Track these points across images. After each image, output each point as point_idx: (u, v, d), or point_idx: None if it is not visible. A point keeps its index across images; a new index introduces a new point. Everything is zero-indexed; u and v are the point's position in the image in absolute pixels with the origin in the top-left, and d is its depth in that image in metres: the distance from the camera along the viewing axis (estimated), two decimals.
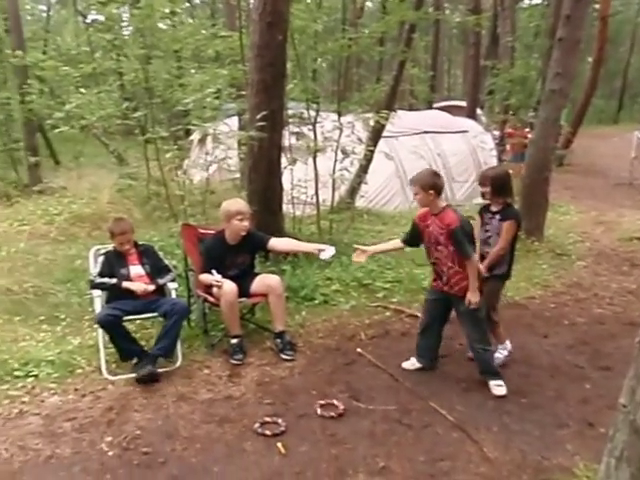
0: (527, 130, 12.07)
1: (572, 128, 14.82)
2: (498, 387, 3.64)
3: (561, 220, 9.00)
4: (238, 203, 4.28)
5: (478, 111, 15.83)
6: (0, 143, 11.97)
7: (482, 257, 3.87)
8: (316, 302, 5.05)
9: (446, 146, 10.65)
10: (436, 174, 3.67)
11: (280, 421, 3.24)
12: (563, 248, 7.18)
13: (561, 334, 4.68)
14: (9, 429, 3.22)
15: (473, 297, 3.51)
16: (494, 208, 3.85)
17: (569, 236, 7.89)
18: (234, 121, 8.30)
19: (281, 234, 5.63)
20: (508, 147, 14.42)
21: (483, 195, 3.89)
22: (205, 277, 4.11)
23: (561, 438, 3.16)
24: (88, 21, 15.85)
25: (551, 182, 7.43)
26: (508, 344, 4.06)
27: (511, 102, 12.26)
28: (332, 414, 3.34)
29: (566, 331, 4.75)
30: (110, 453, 3.01)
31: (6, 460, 2.94)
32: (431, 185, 3.52)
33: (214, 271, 4.07)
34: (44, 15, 21.64)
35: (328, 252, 4.00)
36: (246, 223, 4.18)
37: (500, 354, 4.01)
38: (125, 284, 3.94)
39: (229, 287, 3.98)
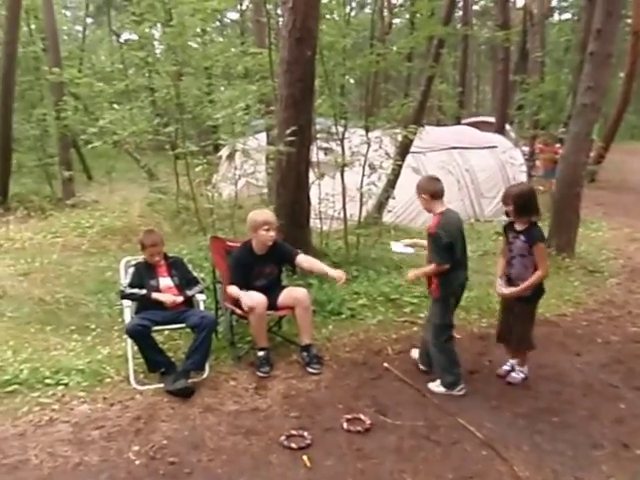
0: (558, 146, 11.92)
1: (604, 143, 14.56)
2: (437, 387, 3.80)
3: (593, 237, 8.82)
4: (265, 213, 4.32)
5: (507, 127, 15.71)
6: (35, 158, 12.38)
7: (507, 278, 3.80)
8: (343, 316, 5.03)
9: (474, 162, 10.57)
10: (432, 179, 3.78)
11: (306, 434, 3.22)
12: (595, 265, 7.03)
13: (594, 352, 4.55)
14: (39, 436, 3.27)
15: (411, 273, 3.82)
16: (518, 227, 3.71)
17: (601, 253, 7.71)
18: (262, 137, 8.41)
19: (308, 248, 5.65)
20: (538, 163, 14.26)
21: (507, 214, 3.77)
22: (233, 290, 4.12)
23: (595, 459, 3.06)
24: (122, 40, 16.33)
25: (582, 198, 7.30)
26: (526, 369, 4.01)
27: (541, 117, 12.11)
28: (358, 428, 3.30)
29: (599, 349, 4.63)
30: (137, 462, 3.02)
31: (36, 466, 2.98)
32: (423, 189, 3.69)
33: (242, 293, 4.08)
34: (80, 35, 22.38)
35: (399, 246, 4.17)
36: (272, 233, 4.20)
37: (517, 375, 3.98)
38: (154, 295, 4.00)
39: (259, 299, 3.99)
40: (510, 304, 3.85)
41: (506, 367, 4.06)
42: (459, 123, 17.19)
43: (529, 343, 3.91)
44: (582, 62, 7.73)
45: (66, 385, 3.80)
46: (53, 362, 4.05)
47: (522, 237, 3.66)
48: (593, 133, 7.62)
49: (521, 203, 3.63)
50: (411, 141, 7.53)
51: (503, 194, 3.83)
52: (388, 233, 8.06)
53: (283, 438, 3.19)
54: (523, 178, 11.46)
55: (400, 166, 7.37)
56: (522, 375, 3.97)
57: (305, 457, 3.02)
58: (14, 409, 3.53)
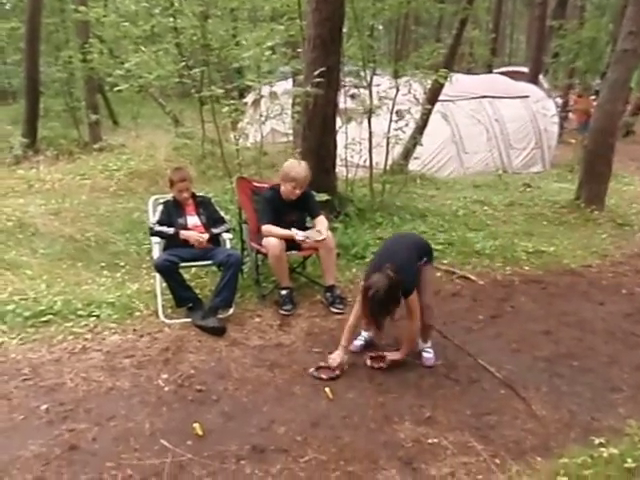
0: (593, 98, 11.50)
1: None
2: None
3: (624, 190, 8.63)
4: (295, 171, 4.17)
5: (540, 77, 15.14)
6: (63, 103, 12.41)
7: None
8: (366, 260, 5.02)
9: (505, 111, 10.29)
10: None
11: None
12: (625, 218, 6.91)
13: (618, 303, 4.54)
14: (74, 362, 3.42)
15: None
16: None
17: (632, 207, 7.56)
18: (289, 83, 8.29)
19: (333, 193, 5.65)
20: (571, 115, 13.83)
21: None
22: (271, 229, 4.13)
23: (613, 401, 3.10)
24: None
25: (616, 152, 7.10)
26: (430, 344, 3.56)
27: (578, 65, 11.61)
28: (381, 365, 3.38)
29: (624, 300, 4.61)
30: (166, 389, 3.16)
31: (71, 389, 3.14)
32: None
33: (294, 229, 4.13)
34: None
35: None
36: (297, 191, 4.19)
37: (429, 354, 3.51)
38: (182, 233, 4.05)
39: (274, 242, 4.04)
40: None
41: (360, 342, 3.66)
42: (491, 72, 16.63)
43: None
44: (625, 7, 7.36)
45: (98, 317, 3.94)
46: (85, 295, 4.19)
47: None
48: (631, 81, 7.34)
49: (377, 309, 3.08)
50: (441, 86, 7.33)
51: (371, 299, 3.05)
52: (413, 182, 8.00)
53: (312, 370, 3.29)
54: (555, 130, 11.15)
55: (429, 112, 7.22)
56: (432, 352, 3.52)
57: (327, 389, 3.12)
58: (49, 337, 3.69)
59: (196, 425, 2.79)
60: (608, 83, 6.78)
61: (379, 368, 3.37)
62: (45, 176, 7.88)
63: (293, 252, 4.25)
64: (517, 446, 2.71)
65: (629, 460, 2.44)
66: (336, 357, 3.31)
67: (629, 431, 2.72)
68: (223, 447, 2.67)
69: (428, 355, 3.50)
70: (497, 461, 2.60)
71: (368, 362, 3.41)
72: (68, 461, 2.56)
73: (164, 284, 4.02)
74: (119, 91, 8.13)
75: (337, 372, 3.27)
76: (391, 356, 3.40)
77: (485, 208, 6.97)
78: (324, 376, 3.23)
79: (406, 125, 6.32)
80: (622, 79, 6.58)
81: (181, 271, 4.01)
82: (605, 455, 2.51)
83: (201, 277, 4.60)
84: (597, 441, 2.66)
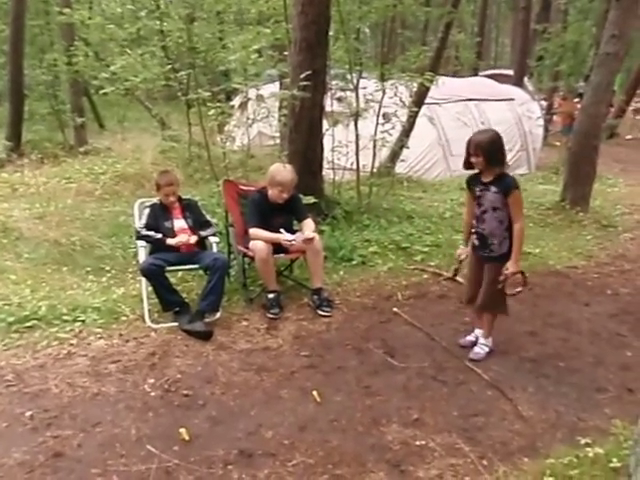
0: (577, 100, 11.63)
1: (626, 97, 14.15)
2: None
3: (608, 192, 8.73)
4: (282, 175, 4.18)
5: (525, 79, 15.29)
6: (48, 105, 12.29)
7: (479, 236, 3.46)
8: (354, 263, 5.07)
9: (490, 114, 10.35)
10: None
11: None
12: (609, 220, 6.99)
13: (603, 303, 4.58)
14: (58, 368, 3.38)
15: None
16: (486, 179, 3.33)
17: (616, 208, 7.65)
18: (276, 86, 8.28)
19: (320, 196, 5.64)
20: (556, 118, 13.98)
21: (469, 165, 3.37)
22: (256, 232, 4.12)
23: (599, 402, 3.12)
24: None
25: (600, 154, 7.18)
26: (490, 341, 3.63)
27: (562, 68, 11.75)
28: (519, 290, 3.42)
29: (609, 301, 4.65)
30: (152, 394, 3.13)
31: (56, 395, 3.10)
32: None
33: (283, 230, 4.13)
34: None
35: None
36: (285, 195, 4.19)
37: (480, 350, 3.59)
38: (169, 241, 4.02)
39: (261, 245, 4.03)
40: (480, 261, 3.49)
41: (470, 338, 3.72)
42: (476, 75, 16.77)
43: (498, 305, 3.50)
44: (607, 11, 7.46)
45: (83, 322, 3.90)
46: (70, 300, 4.15)
47: (493, 188, 3.29)
48: (615, 85, 7.43)
49: (493, 152, 3.26)
50: (427, 89, 7.37)
51: (469, 143, 3.30)
52: (400, 185, 8.02)
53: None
54: (540, 132, 11.24)
55: (415, 115, 7.25)
56: (486, 349, 3.58)
57: (315, 392, 3.11)
58: (34, 343, 3.64)
59: (182, 430, 2.77)
60: (591, 86, 6.86)
61: (519, 292, 3.45)
62: (30, 180, 7.79)
63: (280, 255, 4.25)
64: (504, 447, 2.73)
65: (614, 460, 2.46)
66: (462, 252, 3.58)
67: (614, 431, 2.73)
68: (210, 452, 2.65)
69: (479, 350, 3.58)
70: (484, 462, 2.60)
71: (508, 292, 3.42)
72: (53, 468, 2.53)
73: (150, 288, 3.99)
74: (105, 94, 8.10)
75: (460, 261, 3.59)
76: (511, 268, 3.30)
77: None
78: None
79: (392, 128, 6.34)
80: (605, 82, 6.66)
81: (167, 275, 3.98)
82: (591, 455, 2.53)
83: (187, 281, 4.58)
84: (583, 441, 2.68)
